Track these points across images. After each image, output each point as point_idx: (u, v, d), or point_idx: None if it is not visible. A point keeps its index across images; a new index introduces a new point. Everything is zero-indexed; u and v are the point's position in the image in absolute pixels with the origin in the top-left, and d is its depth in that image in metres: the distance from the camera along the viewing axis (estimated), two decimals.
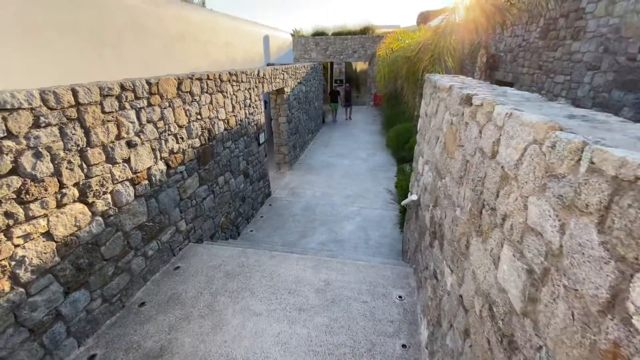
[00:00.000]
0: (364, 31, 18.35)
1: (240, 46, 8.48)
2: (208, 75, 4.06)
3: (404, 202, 4.01)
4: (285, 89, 7.45)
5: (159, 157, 3.25)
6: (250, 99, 5.32)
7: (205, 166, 4.12)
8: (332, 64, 17.81)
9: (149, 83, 3.02)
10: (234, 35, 8.69)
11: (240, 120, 5.04)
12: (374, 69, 16.99)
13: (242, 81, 5.00)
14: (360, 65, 22.59)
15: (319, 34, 17.89)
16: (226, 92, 4.54)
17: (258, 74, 5.63)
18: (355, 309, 2.82)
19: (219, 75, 4.33)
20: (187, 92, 3.65)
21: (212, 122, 4.21)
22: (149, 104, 3.06)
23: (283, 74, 7.17)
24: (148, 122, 3.06)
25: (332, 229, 5.47)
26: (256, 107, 5.58)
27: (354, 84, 13.22)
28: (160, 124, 3.24)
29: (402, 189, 6.05)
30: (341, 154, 9.63)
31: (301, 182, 7.49)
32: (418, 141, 3.73)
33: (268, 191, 6.58)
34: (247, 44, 9.32)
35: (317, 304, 2.88)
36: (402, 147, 9.02)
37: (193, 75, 3.76)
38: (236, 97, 4.84)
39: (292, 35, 16.74)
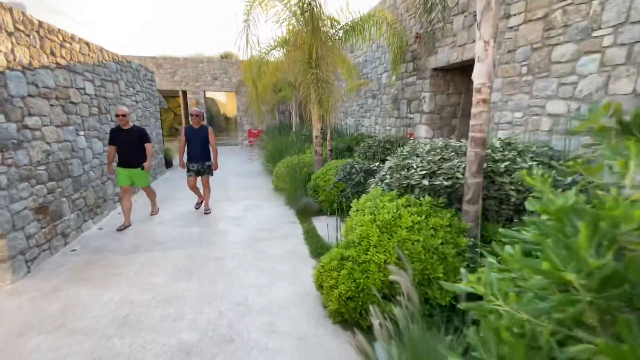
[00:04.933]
0: (225, 57, 14.97)
1: None
2: None
3: None
4: None
5: None
6: None
7: None
8: (185, 94, 13.31)
9: None
10: None
11: None
12: (243, 101, 13.43)
13: None
14: (230, 110, 18.79)
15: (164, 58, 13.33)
16: None
17: None
18: None
19: None
20: None
21: None
22: None
23: None
24: None
25: None
26: None
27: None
28: None
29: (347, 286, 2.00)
30: (187, 215, 4.94)
31: (37, 323, 2.35)
32: None
33: None
34: None
35: None
36: (300, 187, 5.23)
37: None
38: None
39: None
